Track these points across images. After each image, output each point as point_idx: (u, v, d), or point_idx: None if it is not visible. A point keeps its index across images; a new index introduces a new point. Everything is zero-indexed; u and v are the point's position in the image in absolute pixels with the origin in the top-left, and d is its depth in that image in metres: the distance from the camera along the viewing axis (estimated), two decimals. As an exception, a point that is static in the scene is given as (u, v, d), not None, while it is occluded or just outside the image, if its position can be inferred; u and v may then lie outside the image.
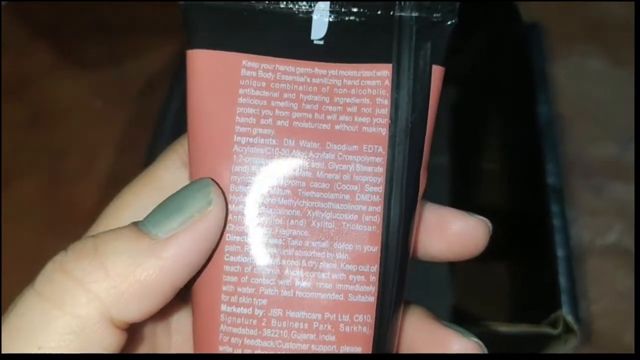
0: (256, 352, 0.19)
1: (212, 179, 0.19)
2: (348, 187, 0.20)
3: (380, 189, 0.20)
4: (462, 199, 0.47)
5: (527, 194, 0.44)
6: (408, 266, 0.20)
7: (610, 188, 0.49)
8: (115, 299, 0.19)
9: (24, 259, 0.34)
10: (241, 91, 0.20)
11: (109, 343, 0.19)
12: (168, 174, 0.22)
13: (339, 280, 0.19)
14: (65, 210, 0.48)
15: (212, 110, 0.20)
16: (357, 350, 0.19)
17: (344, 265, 0.20)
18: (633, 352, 0.42)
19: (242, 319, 0.19)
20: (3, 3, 0.58)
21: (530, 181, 0.43)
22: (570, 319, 0.34)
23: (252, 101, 0.20)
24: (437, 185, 0.48)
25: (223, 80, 0.20)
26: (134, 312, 0.19)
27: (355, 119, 0.20)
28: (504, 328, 0.34)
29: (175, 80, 0.47)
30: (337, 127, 0.20)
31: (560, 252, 0.37)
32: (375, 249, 0.20)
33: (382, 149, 0.20)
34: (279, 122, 0.20)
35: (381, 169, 0.20)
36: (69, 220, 0.46)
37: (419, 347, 0.22)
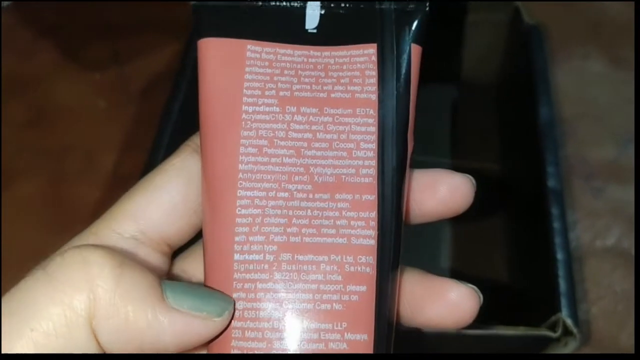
0: (268, 294, 0.21)
1: (234, 305, 0.21)
2: (345, 145, 0.22)
3: (374, 146, 0.22)
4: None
5: (527, 196, 0.44)
6: (403, 216, 0.23)
7: (609, 190, 0.49)
8: (105, 316, 0.19)
9: (25, 258, 0.34)
10: (247, 69, 0.22)
11: (91, 349, 0.20)
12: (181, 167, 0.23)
13: (341, 226, 0.22)
14: (67, 210, 0.48)
15: (222, 86, 0.22)
16: (362, 289, 0.21)
17: (345, 212, 0.22)
18: (632, 352, 0.42)
19: (254, 265, 0.21)
20: (5, 3, 0.58)
21: (530, 183, 0.43)
22: (569, 322, 0.34)
23: (257, 77, 0.22)
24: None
25: (231, 61, 0.22)
26: (109, 341, 0.20)
27: (348, 88, 0.23)
28: (504, 331, 0.34)
29: (178, 80, 0.47)
30: (332, 95, 0.22)
31: (560, 255, 0.37)
32: (372, 197, 0.22)
33: (373, 111, 0.22)
34: (281, 93, 0.22)
35: (373, 128, 0.22)
36: (70, 220, 0.46)
37: (419, 299, 0.23)
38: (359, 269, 0.21)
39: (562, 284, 0.36)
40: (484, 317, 0.42)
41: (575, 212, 0.48)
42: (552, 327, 0.34)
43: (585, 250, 0.46)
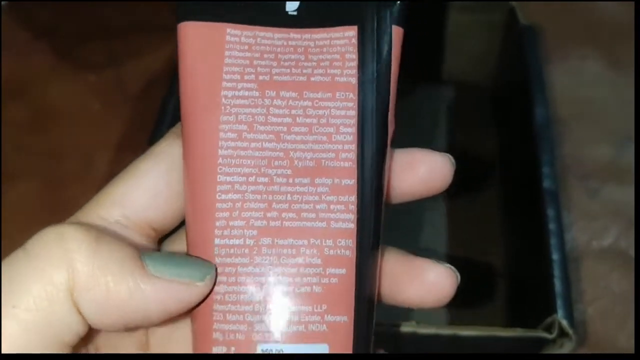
0: (249, 278, 0.21)
1: (216, 269, 0.22)
2: (325, 129, 0.22)
3: (354, 130, 0.22)
4: (457, 200, 0.48)
5: (523, 196, 0.44)
6: (383, 199, 0.23)
7: (606, 190, 0.49)
8: (86, 287, 0.20)
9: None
10: (227, 53, 0.22)
11: (72, 325, 0.20)
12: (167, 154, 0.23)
13: (321, 210, 0.22)
14: (63, 212, 0.48)
15: (202, 71, 0.22)
16: (342, 271, 0.22)
17: (325, 196, 0.22)
18: (629, 353, 0.42)
19: (235, 249, 0.21)
20: (2, 4, 0.58)
21: (526, 184, 0.43)
22: (565, 323, 0.34)
23: (236, 61, 0.22)
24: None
25: (210, 45, 0.22)
26: (92, 313, 0.20)
27: (328, 71, 0.22)
28: (500, 332, 0.34)
29: (174, 81, 0.47)
30: (312, 79, 0.22)
31: (555, 256, 0.37)
32: (352, 181, 0.22)
33: (353, 95, 0.22)
34: (260, 77, 0.22)
35: (353, 112, 0.22)
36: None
37: (399, 278, 0.23)
38: (339, 252, 0.22)
39: (558, 285, 0.36)
40: (480, 318, 0.42)
41: (571, 212, 0.48)
42: (548, 329, 0.34)
43: (581, 251, 0.47)
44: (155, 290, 0.20)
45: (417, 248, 0.45)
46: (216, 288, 0.21)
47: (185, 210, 0.23)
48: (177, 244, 0.24)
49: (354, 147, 0.22)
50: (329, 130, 0.22)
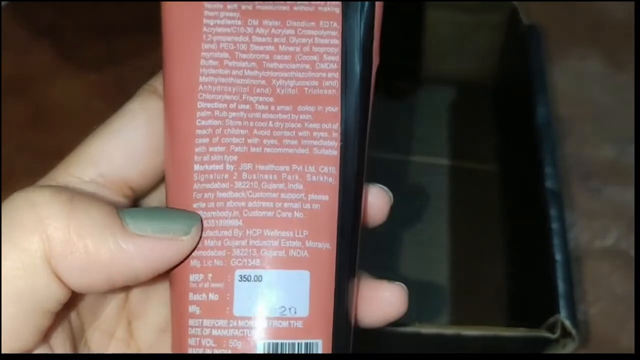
0: (228, 203, 0.21)
1: (202, 221, 0.21)
2: (308, 57, 0.22)
3: (337, 58, 0.22)
4: (460, 201, 0.48)
5: (525, 196, 0.44)
6: (367, 128, 0.22)
7: (608, 190, 0.50)
8: (63, 253, 0.19)
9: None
10: None
11: (53, 292, 0.19)
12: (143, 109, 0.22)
13: (303, 137, 0.21)
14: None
15: (184, 2, 0.22)
16: (324, 198, 0.21)
17: (308, 124, 0.22)
18: (629, 354, 0.42)
19: (214, 174, 0.21)
20: (3, 3, 0.58)
21: (528, 184, 0.43)
22: (568, 323, 0.34)
23: None
24: (435, 186, 0.48)
25: None
26: (73, 278, 0.19)
27: (312, 2, 0.22)
28: (503, 332, 0.34)
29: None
30: (295, 8, 0.22)
31: (558, 256, 0.37)
32: (336, 108, 0.22)
33: (337, 24, 0.22)
34: (243, 7, 0.22)
35: (337, 41, 0.22)
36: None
37: (366, 300, 0.23)
38: (321, 178, 0.21)
39: (561, 285, 0.36)
40: (483, 318, 0.42)
41: (573, 212, 0.48)
42: (551, 329, 0.34)
43: (583, 250, 0.47)
44: (139, 249, 0.19)
45: (419, 249, 0.45)
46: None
47: (164, 140, 0.22)
48: (155, 202, 0.24)
49: (337, 75, 0.22)
50: (313, 58, 0.22)
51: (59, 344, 0.20)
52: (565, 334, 0.34)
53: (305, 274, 0.21)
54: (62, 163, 0.22)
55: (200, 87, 0.21)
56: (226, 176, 0.21)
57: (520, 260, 0.44)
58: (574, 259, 0.45)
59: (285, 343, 0.21)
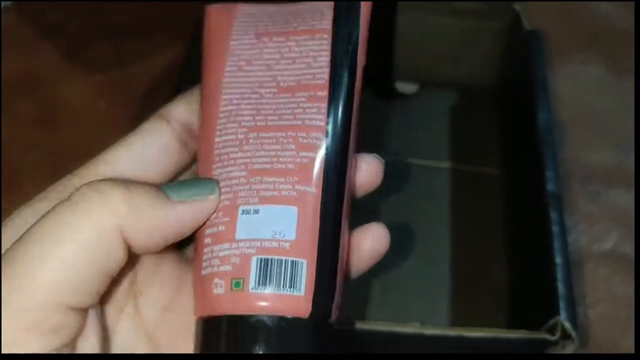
0: (237, 161, 0.27)
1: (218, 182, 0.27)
2: (305, 60, 0.28)
3: (327, 59, 0.28)
4: (461, 204, 0.48)
5: (526, 200, 0.44)
6: (352, 109, 0.28)
7: (608, 194, 0.50)
8: (131, 223, 0.24)
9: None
10: (235, 19, 0.30)
11: (119, 257, 0.24)
12: (150, 148, 0.28)
13: (298, 113, 0.27)
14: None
15: (216, 32, 0.30)
16: (313, 155, 0.27)
17: (302, 104, 0.28)
18: (629, 354, 0.42)
19: (229, 142, 0.27)
20: (6, 3, 0.58)
21: (529, 188, 0.43)
22: (568, 325, 0.34)
23: (242, 22, 0.30)
24: (437, 189, 0.49)
25: (226, 16, 0.30)
26: (140, 241, 0.24)
27: (309, 22, 0.29)
28: (503, 334, 0.35)
29: (181, 82, 0.47)
30: (298, 28, 0.29)
31: (558, 259, 0.37)
32: (324, 92, 0.28)
33: (327, 36, 0.28)
34: (259, 30, 0.29)
35: (327, 47, 0.28)
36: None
37: (352, 244, 0.29)
38: (310, 141, 0.27)
39: (561, 288, 0.36)
40: (484, 320, 0.42)
41: (573, 215, 0.48)
42: (551, 331, 0.35)
43: (583, 254, 0.47)
44: (183, 212, 0.25)
45: (420, 251, 0.46)
46: (213, 171, 0.27)
47: (199, 127, 0.28)
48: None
49: (327, 70, 0.28)
50: (308, 60, 0.28)
51: (94, 315, 0.24)
52: (565, 335, 0.34)
53: (294, 209, 0.26)
54: (84, 167, 0.27)
55: (224, 85, 0.28)
56: (237, 143, 0.27)
57: (520, 263, 0.44)
58: (573, 262, 0.46)
59: (274, 259, 0.26)
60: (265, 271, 0.26)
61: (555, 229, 0.39)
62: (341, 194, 0.27)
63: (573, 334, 0.34)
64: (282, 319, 0.25)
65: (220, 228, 0.26)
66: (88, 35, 0.58)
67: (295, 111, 0.28)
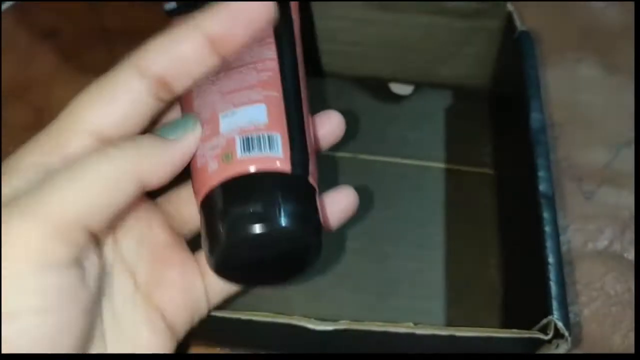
0: (213, 90, 0.35)
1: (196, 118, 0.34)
2: (260, 50, 0.36)
3: (274, 47, 0.36)
4: (455, 204, 0.48)
5: (519, 200, 0.45)
6: (297, 47, 0.37)
7: (601, 193, 0.50)
8: (145, 161, 0.30)
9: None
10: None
11: (131, 195, 0.30)
12: (126, 92, 0.31)
13: (254, 55, 0.36)
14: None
15: None
16: (270, 74, 0.35)
17: (255, 50, 0.36)
18: (626, 353, 0.43)
19: (204, 83, 0.35)
20: (6, 5, 0.58)
21: (522, 188, 0.43)
22: (560, 325, 0.35)
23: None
24: (429, 189, 0.49)
25: None
26: (156, 175, 0.30)
27: (261, 41, 0.37)
28: (495, 333, 0.35)
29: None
30: (255, 44, 0.36)
31: (551, 259, 0.37)
32: (271, 39, 0.36)
33: (271, 39, 0.36)
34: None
35: (272, 40, 0.36)
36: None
37: (327, 206, 0.37)
38: (267, 65, 0.35)
39: (553, 287, 0.36)
40: (476, 319, 0.42)
41: (567, 215, 0.49)
42: (544, 330, 0.35)
43: (576, 253, 0.47)
44: (181, 145, 0.32)
45: (413, 251, 0.46)
46: (193, 102, 0.35)
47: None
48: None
49: (274, 49, 0.36)
50: (263, 50, 0.36)
51: (96, 244, 0.30)
52: (558, 335, 0.35)
53: (262, 106, 0.34)
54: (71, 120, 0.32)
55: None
56: (210, 82, 0.35)
57: (513, 263, 0.44)
58: (567, 261, 0.46)
59: (254, 135, 0.32)
60: (248, 143, 0.32)
61: (547, 229, 0.39)
62: (298, 93, 0.35)
63: (566, 333, 0.34)
64: (268, 173, 0.32)
65: (207, 132, 0.33)
66: (83, 39, 0.58)
67: (251, 54, 0.35)
